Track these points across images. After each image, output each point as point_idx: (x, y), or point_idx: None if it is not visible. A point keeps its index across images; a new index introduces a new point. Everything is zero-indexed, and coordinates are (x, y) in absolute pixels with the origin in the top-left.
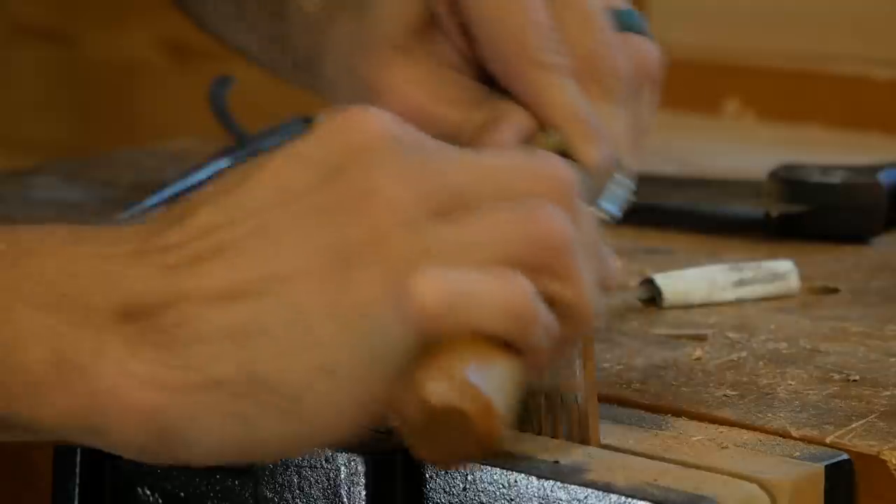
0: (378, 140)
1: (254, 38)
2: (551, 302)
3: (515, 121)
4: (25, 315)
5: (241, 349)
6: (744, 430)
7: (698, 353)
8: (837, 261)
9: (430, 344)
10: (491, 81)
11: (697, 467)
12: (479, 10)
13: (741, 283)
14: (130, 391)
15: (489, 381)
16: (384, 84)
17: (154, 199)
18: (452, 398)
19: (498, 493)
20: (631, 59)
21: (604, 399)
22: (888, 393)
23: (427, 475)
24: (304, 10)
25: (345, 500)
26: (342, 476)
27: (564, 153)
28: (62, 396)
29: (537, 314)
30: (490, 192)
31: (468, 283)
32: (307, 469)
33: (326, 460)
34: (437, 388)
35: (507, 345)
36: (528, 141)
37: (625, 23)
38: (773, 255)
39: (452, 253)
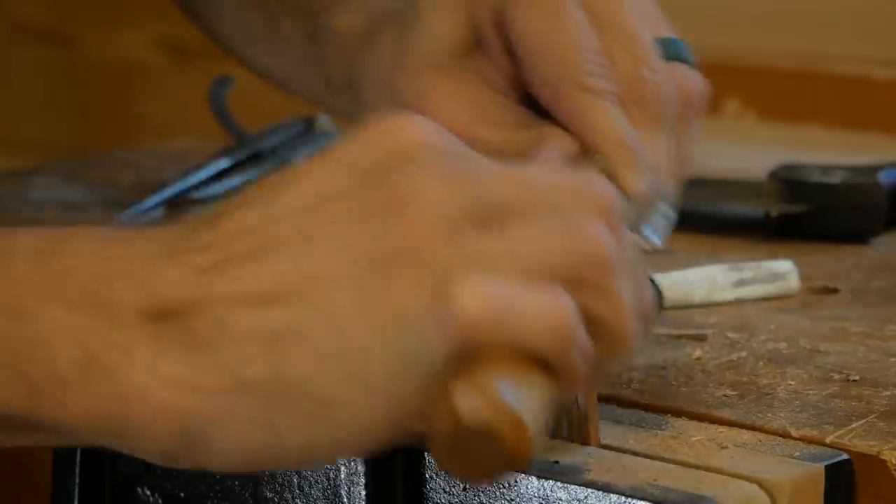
0: (421, 147)
1: (285, 60)
2: (589, 320)
3: (558, 144)
4: (56, 313)
5: (273, 353)
6: (744, 430)
7: (698, 353)
8: (837, 261)
9: (466, 356)
10: (535, 105)
11: (697, 467)
12: (525, 31)
13: (741, 283)
14: (156, 392)
15: (522, 399)
16: (425, 105)
17: (154, 199)
18: (484, 415)
19: (498, 493)
20: (676, 88)
21: (604, 399)
22: (888, 393)
23: (427, 475)
24: (340, 31)
25: (345, 500)
26: (342, 476)
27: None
28: (89, 396)
29: (577, 334)
30: (533, 206)
31: (512, 296)
32: (307, 469)
33: None
34: (469, 404)
35: (542, 363)
36: (571, 165)
37: (671, 52)
38: (773, 255)
39: (494, 263)
